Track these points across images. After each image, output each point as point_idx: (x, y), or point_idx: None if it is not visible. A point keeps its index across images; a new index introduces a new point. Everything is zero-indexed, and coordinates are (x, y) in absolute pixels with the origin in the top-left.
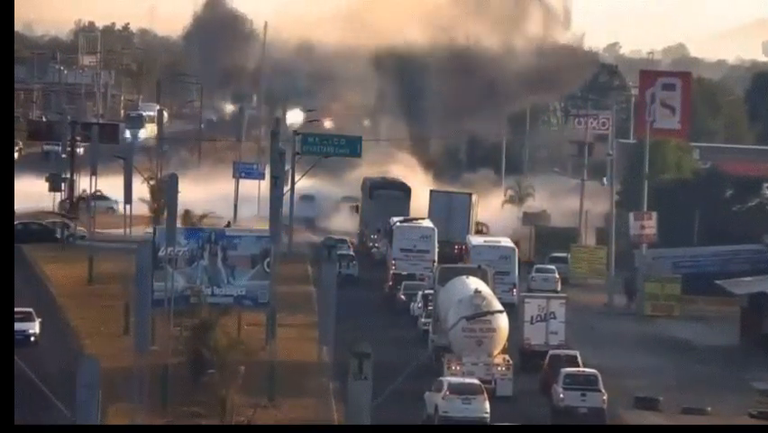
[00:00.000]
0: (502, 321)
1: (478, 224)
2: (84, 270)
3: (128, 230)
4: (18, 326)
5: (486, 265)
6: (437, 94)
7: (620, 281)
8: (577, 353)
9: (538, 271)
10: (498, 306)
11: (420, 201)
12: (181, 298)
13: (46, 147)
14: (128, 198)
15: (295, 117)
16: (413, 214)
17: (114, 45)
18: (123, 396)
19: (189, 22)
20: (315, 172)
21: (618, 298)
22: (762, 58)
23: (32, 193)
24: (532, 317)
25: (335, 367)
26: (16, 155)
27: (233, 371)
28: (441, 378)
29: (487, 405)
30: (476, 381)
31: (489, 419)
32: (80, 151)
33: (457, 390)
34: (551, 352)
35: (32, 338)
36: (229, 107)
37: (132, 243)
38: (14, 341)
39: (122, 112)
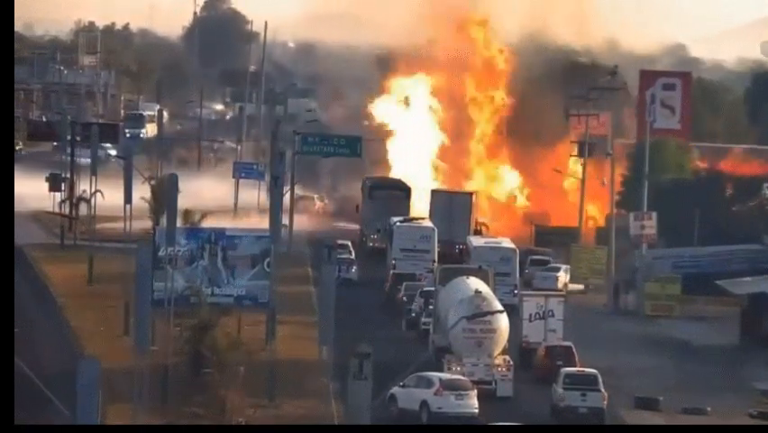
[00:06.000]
0: (502, 321)
1: (477, 223)
2: (84, 270)
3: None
4: None
5: (486, 266)
6: (436, 93)
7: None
8: (571, 343)
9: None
10: (498, 306)
11: (419, 201)
12: (181, 298)
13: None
14: (128, 198)
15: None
16: (412, 214)
17: (115, 45)
18: (123, 396)
19: (189, 22)
20: (315, 172)
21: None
22: (762, 58)
23: (31, 193)
24: (530, 316)
25: (335, 367)
26: (26, 153)
27: (232, 371)
28: (419, 374)
29: (476, 401)
30: (464, 377)
31: (477, 414)
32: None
33: (450, 386)
34: (545, 344)
35: None
36: (228, 107)
37: (132, 243)
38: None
39: (122, 112)
